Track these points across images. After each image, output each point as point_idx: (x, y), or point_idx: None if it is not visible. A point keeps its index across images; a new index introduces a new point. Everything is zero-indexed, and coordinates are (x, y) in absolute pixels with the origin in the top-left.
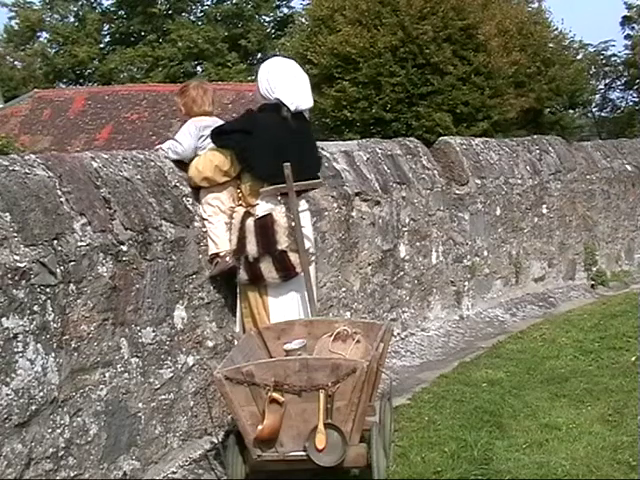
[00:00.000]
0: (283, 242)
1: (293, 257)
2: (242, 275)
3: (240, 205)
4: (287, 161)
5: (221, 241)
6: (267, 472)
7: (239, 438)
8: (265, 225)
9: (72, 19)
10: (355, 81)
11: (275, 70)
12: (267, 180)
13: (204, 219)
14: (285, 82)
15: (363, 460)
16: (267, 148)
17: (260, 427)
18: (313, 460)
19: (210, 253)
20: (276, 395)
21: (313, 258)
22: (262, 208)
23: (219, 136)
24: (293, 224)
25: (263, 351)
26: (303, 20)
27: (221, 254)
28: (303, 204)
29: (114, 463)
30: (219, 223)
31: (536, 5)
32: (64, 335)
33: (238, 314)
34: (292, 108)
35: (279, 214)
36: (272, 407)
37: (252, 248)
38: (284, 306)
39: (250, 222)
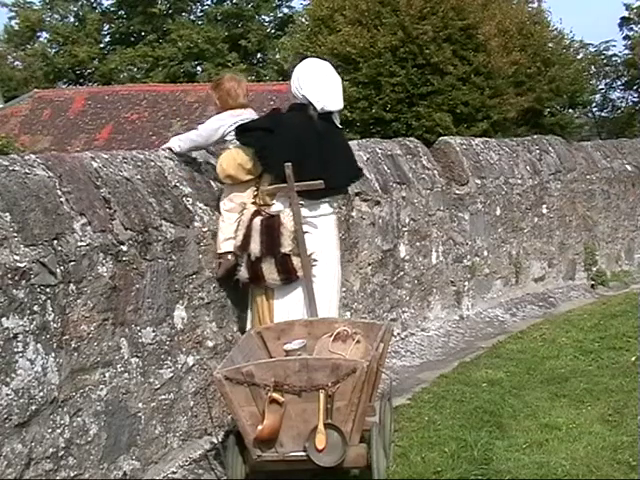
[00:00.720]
0: (287, 245)
1: (295, 261)
2: (242, 273)
3: (254, 203)
4: (308, 162)
5: (228, 242)
6: (267, 472)
7: (239, 438)
8: (271, 226)
9: (72, 19)
10: (355, 81)
11: (306, 69)
12: (284, 180)
13: (220, 214)
14: (314, 81)
15: (363, 460)
16: (288, 148)
17: (260, 427)
18: (313, 460)
19: (217, 251)
20: (276, 395)
21: (317, 263)
22: (276, 209)
23: (243, 133)
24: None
25: (263, 351)
26: (303, 20)
27: (225, 254)
28: (325, 208)
29: (114, 463)
30: (232, 223)
31: (536, 5)
32: (64, 335)
33: (249, 314)
34: (318, 107)
35: (287, 217)
36: (272, 407)
37: (255, 247)
38: (289, 310)
39: (257, 221)
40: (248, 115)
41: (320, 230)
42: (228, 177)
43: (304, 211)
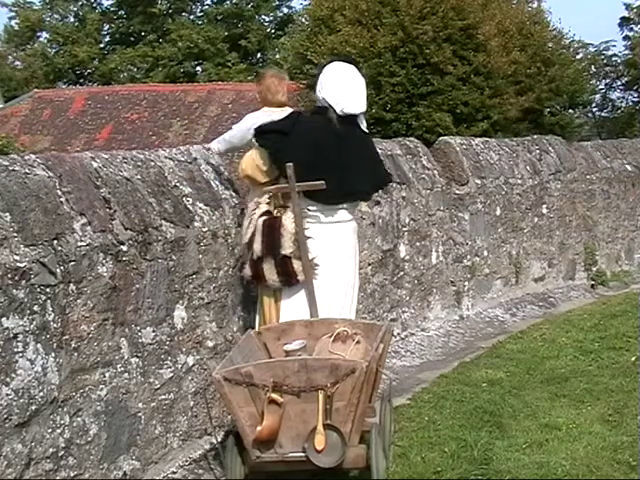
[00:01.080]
0: (287, 247)
1: (296, 264)
2: (246, 271)
3: (268, 203)
4: (325, 166)
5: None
6: (266, 473)
7: (238, 439)
8: (272, 227)
9: (72, 19)
10: None
11: (329, 71)
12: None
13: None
14: (334, 83)
15: (362, 461)
16: (303, 150)
17: (259, 428)
18: (312, 461)
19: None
20: (275, 396)
21: (319, 267)
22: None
23: (260, 135)
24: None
25: (263, 352)
26: (303, 20)
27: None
28: (342, 214)
29: (114, 463)
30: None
31: (536, 5)
32: (64, 335)
33: (258, 316)
34: (337, 109)
35: (288, 219)
36: (271, 408)
37: (257, 247)
38: (294, 313)
39: (260, 221)
40: (281, 114)
41: (333, 237)
42: (247, 177)
43: (319, 216)
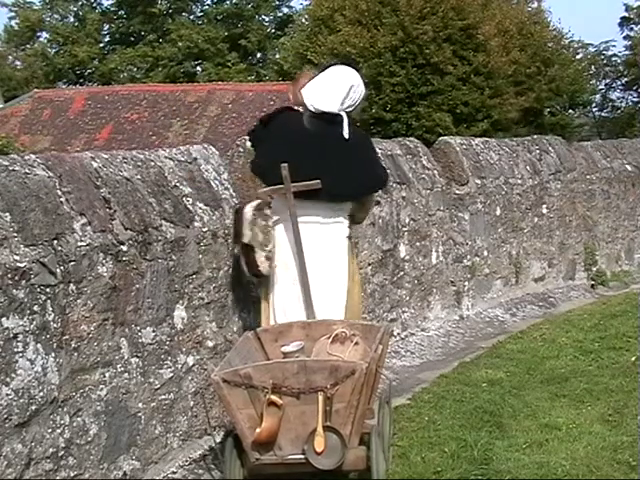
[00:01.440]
0: (245, 235)
1: (257, 255)
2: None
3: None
4: (294, 163)
5: None
6: (265, 475)
7: (237, 441)
8: (236, 214)
9: (72, 19)
10: None
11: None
12: (261, 178)
13: None
14: (314, 81)
15: (362, 463)
16: (274, 146)
17: (258, 430)
18: (312, 463)
19: None
20: (274, 398)
21: (291, 268)
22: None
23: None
24: (269, 222)
25: (260, 353)
26: (303, 20)
27: None
28: (317, 216)
29: (114, 463)
30: None
31: (536, 5)
32: (64, 335)
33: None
34: (308, 104)
35: (248, 207)
36: (270, 410)
37: (232, 236)
38: (271, 312)
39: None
40: None
41: (304, 237)
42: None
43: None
